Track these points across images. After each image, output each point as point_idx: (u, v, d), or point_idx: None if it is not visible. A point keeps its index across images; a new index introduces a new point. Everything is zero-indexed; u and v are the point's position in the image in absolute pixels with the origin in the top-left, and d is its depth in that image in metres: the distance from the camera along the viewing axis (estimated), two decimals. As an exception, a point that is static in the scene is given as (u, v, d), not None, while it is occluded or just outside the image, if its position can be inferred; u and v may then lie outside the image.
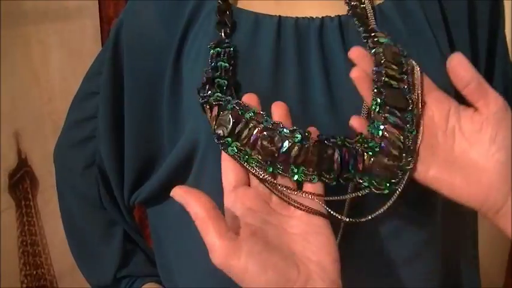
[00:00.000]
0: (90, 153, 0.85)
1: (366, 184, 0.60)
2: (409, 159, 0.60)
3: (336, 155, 0.59)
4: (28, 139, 1.43)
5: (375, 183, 0.60)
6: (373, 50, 0.64)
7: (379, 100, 0.61)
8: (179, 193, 0.55)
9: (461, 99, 0.62)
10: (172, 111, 0.74)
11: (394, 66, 0.63)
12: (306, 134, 0.60)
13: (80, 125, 0.86)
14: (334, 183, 0.60)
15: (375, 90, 0.61)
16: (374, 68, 0.63)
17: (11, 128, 1.40)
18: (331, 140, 0.60)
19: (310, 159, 0.59)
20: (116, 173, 0.82)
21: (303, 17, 0.69)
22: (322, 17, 0.69)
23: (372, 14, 0.69)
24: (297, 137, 0.59)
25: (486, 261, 0.83)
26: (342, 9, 0.70)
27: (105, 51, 0.82)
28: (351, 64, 0.66)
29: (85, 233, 0.89)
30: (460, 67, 0.59)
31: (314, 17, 0.70)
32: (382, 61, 0.63)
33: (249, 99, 0.63)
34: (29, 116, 1.43)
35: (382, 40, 0.65)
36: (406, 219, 0.69)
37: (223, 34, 0.69)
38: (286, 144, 0.59)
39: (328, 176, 0.60)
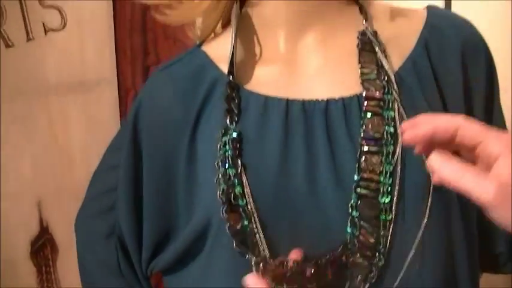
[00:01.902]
0: (110, 223, 0.87)
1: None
2: (381, 257, 0.70)
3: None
4: (49, 207, 1.47)
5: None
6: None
7: (354, 214, 0.70)
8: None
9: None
10: (188, 188, 0.77)
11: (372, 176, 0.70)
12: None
13: (102, 196, 0.89)
14: None
15: (352, 203, 0.70)
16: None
17: (34, 197, 1.44)
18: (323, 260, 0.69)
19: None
20: (135, 244, 0.84)
21: (309, 100, 0.74)
22: (327, 99, 0.73)
23: (395, 88, 0.73)
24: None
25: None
26: (346, 91, 0.74)
27: (125, 127, 0.85)
28: (354, 144, 0.71)
29: (105, 299, 0.91)
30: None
31: (320, 99, 0.74)
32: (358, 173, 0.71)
33: (295, 255, 0.69)
34: (51, 185, 1.47)
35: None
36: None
37: (228, 121, 0.74)
38: None
39: None
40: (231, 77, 0.77)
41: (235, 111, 0.75)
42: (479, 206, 0.60)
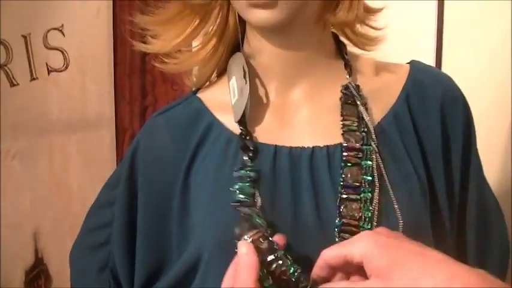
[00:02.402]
0: (104, 257, 0.91)
1: None
2: None
3: None
4: (45, 239, 1.50)
5: None
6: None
7: None
8: None
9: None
10: (180, 224, 0.82)
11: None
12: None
13: (96, 231, 0.93)
14: None
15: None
16: None
17: (30, 229, 1.48)
18: None
19: None
20: (127, 277, 0.88)
21: (295, 147, 0.79)
22: (313, 147, 0.79)
23: (374, 139, 0.79)
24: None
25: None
26: (330, 140, 0.79)
27: (122, 166, 0.90)
28: (335, 190, 0.76)
29: (96, 330, 0.93)
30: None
31: (306, 146, 0.79)
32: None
33: (279, 239, 0.72)
34: (47, 218, 1.51)
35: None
36: None
37: (247, 158, 0.79)
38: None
39: None
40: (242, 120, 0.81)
41: (251, 149, 0.80)
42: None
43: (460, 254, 0.86)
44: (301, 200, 0.77)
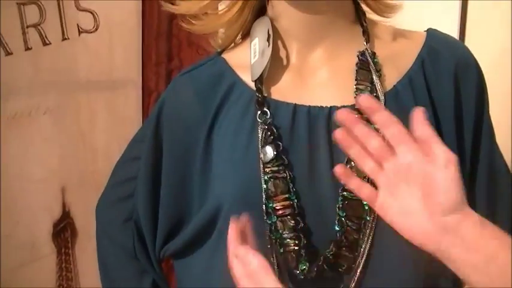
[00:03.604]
0: (129, 209, 0.94)
1: None
2: (363, 251, 0.78)
3: None
4: (72, 194, 1.55)
5: None
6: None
7: (341, 214, 0.78)
8: None
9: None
10: (202, 179, 0.85)
11: None
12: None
13: (122, 184, 0.96)
14: None
15: (339, 205, 0.78)
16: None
17: (58, 184, 1.53)
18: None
19: None
20: (150, 229, 0.91)
21: (314, 106, 0.82)
22: (331, 106, 0.81)
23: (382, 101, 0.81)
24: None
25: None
26: (347, 101, 0.82)
27: (148, 123, 0.93)
28: None
29: (119, 280, 0.97)
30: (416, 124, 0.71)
31: (324, 106, 0.82)
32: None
33: None
34: (75, 174, 1.56)
35: None
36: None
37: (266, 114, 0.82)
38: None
39: None
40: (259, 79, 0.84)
41: (268, 114, 0.82)
42: None
43: None
44: (317, 156, 0.80)
